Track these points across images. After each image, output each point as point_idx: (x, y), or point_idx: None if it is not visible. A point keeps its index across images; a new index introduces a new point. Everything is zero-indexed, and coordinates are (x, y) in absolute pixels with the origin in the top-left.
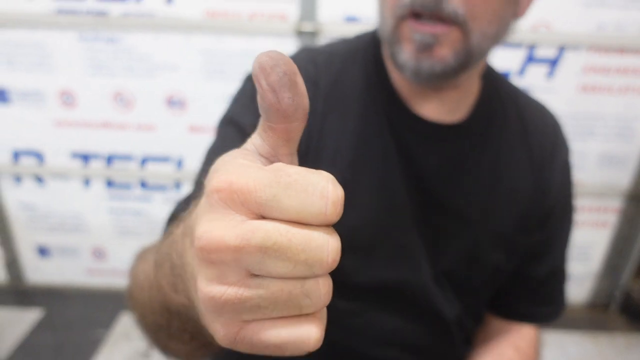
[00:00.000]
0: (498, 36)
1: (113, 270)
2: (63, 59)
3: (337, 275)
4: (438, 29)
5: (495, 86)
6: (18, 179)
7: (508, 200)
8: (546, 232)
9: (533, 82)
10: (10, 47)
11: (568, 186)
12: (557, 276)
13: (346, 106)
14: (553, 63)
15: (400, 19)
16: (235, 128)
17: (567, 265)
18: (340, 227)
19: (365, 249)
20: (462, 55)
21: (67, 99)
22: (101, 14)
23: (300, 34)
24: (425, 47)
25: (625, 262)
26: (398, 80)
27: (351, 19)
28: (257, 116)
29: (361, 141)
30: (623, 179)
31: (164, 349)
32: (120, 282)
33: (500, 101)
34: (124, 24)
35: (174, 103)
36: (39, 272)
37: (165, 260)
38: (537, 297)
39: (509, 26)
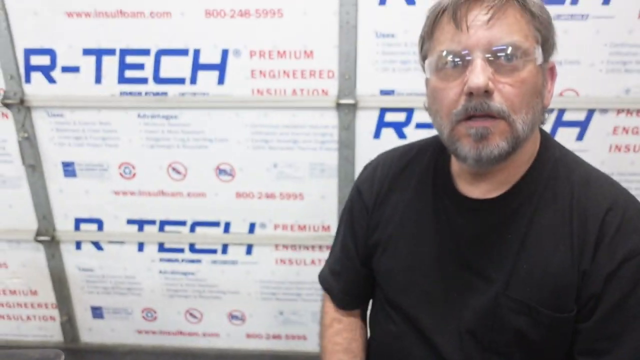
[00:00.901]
0: (534, 123)
1: (161, 330)
2: (125, 135)
3: (391, 302)
4: (488, 123)
5: (550, 165)
6: (78, 245)
7: (537, 270)
8: (596, 324)
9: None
10: (79, 126)
11: (628, 282)
12: None
13: (409, 184)
14: (583, 126)
15: (456, 123)
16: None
17: None
18: (389, 265)
19: (403, 283)
20: (512, 140)
21: (127, 170)
22: (160, 94)
23: (339, 106)
24: (482, 138)
25: None
26: (455, 168)
27: (386, 93)
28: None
29: (412, 208)
30: None
31: None
32: (168, 341)
33: (548, 180)
34: (180, 103)
35: (223, 172)
36: (93, 332)
37: None
38: None
39: (541, 114)
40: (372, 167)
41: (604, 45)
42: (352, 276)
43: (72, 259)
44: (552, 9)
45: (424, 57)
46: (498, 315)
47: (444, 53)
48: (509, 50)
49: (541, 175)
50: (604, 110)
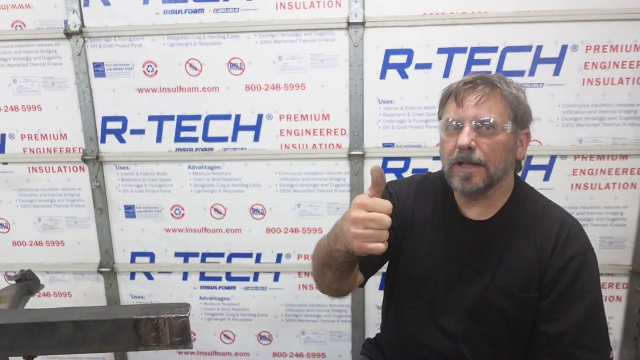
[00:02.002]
0: (507, 169)
1: (199, 351)
2: (177, 182)
3: (410, 292)
4: (472, 169)
5: (521, 197)
6: (133, 275)
7: (513, 268)
8: (551, 301)
9: (533, 184)
10: (141, 176)
11: (572, 273)
12: (568, 338)
13: (427, 204)
14: (547, 169)
15: (451, 165)
16: None
17: (585, 336)
18: (410, 264)
19: (424, 278)
20: (487, 181)
21: (177, 211)
22: (207, 150)
23: (350, 156)
24: (467, 179)
25: None
26: (456, 195)
27: (387, 145)
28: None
29: (429, 223)
30: (625, 257)
31: (321, 280)
32: None
33: (521, 207)
34: (223, 156)
35: (256, 211)
36: (140, 355)
37: (331, 232)
38: (551, 351)
39: (513, 164)
40: (400, 182)
41: (558, 106)
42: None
43: (126, 288)
44: (515, 80)
45: (439, 118)
46: (487, 298)
47: (450, 119)
48: (489, 122)
49: (516, 205)
50: (563, 156)
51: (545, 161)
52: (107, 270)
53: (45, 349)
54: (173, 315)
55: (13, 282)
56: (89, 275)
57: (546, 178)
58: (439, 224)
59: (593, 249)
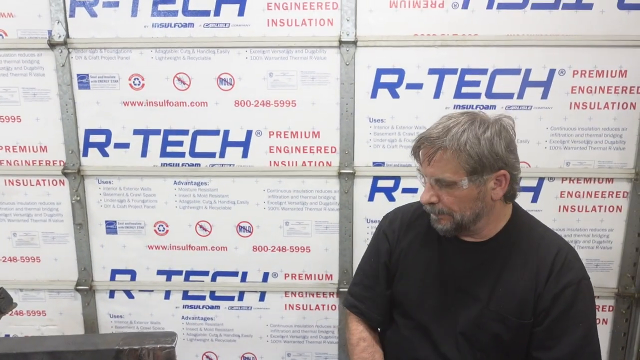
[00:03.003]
0: (477, 213)
1: None
2: (162, 198)
3: (406, 315)
4: (439, 215)
5: (518, 224)
6: (112, 294)
7: (508, 293)
8: (545, 329)
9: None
10: (124, 190)
11: (566, 301)
12: None
13: (421, 230)
14: (535, 191)
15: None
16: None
17: None
18: (403, 290)
19: (417, 302)
20: (453, 225)
21: (161, 228)
22: (194, 165)
23: (340, 175)
24: (437, 221)
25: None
26: None
27: (378, 164)
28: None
29: (423, 247)
30: (611, 280)
31: None
32: None
33: (518, 232)
34: (210, 172)
35: (243, 229)
36: None
37: None
38: None
39: (490, 204)
40: (394, 217)
41: (546, 129)
42: (385, 300)
43: (105, 306)
44: (505, 102)
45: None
46: (482, 322)
47: (419, 173)
48: (444, 180)
49: (513, 231)
50: (551, 178)
51: (534, 183)
52: (85, 288)
53: None
54: (158, 346)
55: None
56: (65, 294)
57: (534, 200)
58: (434, 249)
59: (589, 278)
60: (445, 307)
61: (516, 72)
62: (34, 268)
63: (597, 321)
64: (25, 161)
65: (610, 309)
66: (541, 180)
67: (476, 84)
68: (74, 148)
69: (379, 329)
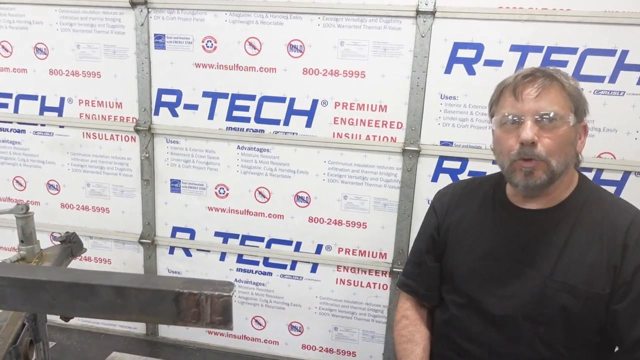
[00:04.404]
0: (567, 163)
1: (229, 333)
2: (225, 161)
3: (456, 289)
4: (534, 163)
5: (586, 191)
6: (172, 250)
7: (576, 260)
8: (630, 303)
9: None
10: (190, 151)
11: None
12: None
13: (473, 203)
14: (619, 185)
15: (513, 161)
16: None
17: None
18: (453, 264)
19: (468, 276)
20: (549, 174)
21: (222, 191)
22: (258, 131)
23: (405, 152)
24: (529, 174)
25: None
26: (509, 192)
27: (445, 144)
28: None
29: (476, 219)
30: None
31: None
32: (233, 344)
33: (585, 200)
34: (273, 139)
35: (300, 199)
36: (170, 329)
37: None
38: (631, 358)
39: (574, 157)
40: (445, 192)
41: (639, 118)
42: (432, 275)
43: (164, 261)
44: (593, 85)
45: (491, 116)
46: (546, 295)
47: (507, 115)
48: (550, 115)
49: (579, 199)
50: (638, 173)
51: (618, 177)
52: (148, 242)
53: (83, 311)
54: (216, 293)
55: (58, 242)
56: (129, 245)
57: (617, 195)
58: (489, 220)
59: None
60: (501, 280)
61: (611, 53)
62: (103, 218)
63: None
64: (102, 116)
65: None
66: (627, 174)
67: (563, 64)
68: (146, 106)
69: (429, 310)
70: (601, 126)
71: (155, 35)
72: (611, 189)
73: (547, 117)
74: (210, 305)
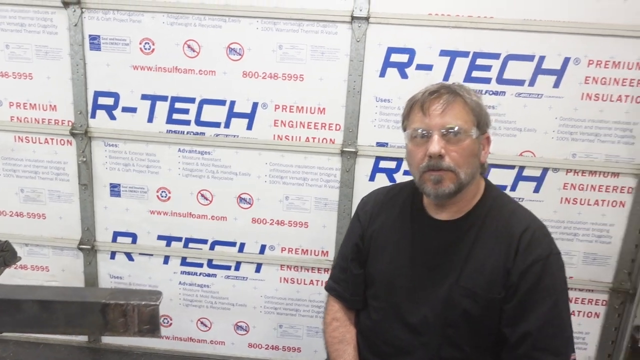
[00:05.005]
0: (473, 173)
1: (174, 336)
2: (166, 164)
3: (377, 296)
4: (442, 173)
5: (490, 200)
6: (113, 255)
7: (478, 269)
8: (514, 305)
9: (523, 195)
10: (129, 155)
11: (533, 277)
12: (529, 341)
13: (393, 211)
14: (538, 181)
15: (423, 172)
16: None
17: (546, 338)
18: (376, 270)
19: (389, 282)
20: (457, 185)
21: (163, 194)
22: (199, 134)
23: (343, 153)
24: (438, 182)
25: (618, 349)
26: (425, 202)
27: (381, 145)
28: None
29: (395, 227)
30: (607, 275)
31: None
32: (179, 346)
33: (490, 209)
34: (214, 142)
35: (243, 200)
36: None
37: None
38: (513, 353)
39: (479, 167)
40: (367, 199)
41: (555, 119)
42: (357, 281)
43: (105, 267)
44: (515, 88)
45: (404, 129)
46: (452, 300)
47: (417, 129)
48: (455, 129)
49: (483, 208)
50: (555, 169)
51: (537, 173)
52: (88, 247)
53: (8, 327)
54: (143, 303)
55: None
56: (68, 251)
57: (536, 190)
58: (406, 229)
59: (559, 253)
60: (417, 286)
61: (529, 58)
62: (39, 224)
63: (589, 315)
64: (35, 119)
65: (604, 303)
66: (545, 170)
67: (487, 68)
68: (82, 109)
69: (356, 312)
70: (522, 126)
71: (90, 36)
72: (531, 184)
73: (452, 131)
74: (137, 314)
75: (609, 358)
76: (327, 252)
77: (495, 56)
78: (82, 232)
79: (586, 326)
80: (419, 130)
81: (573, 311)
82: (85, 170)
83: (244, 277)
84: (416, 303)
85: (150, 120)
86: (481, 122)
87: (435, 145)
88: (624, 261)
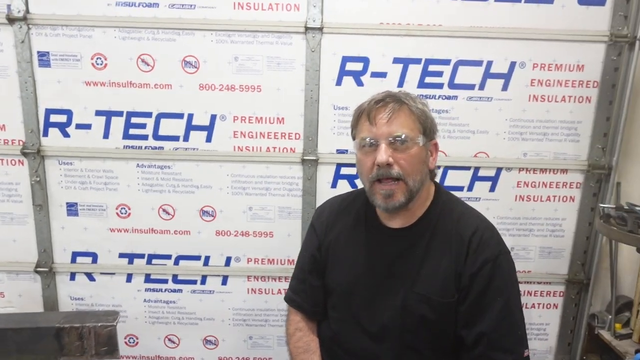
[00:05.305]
0: (422, 180)
1: (141, 355)
2: (124, 181)
3: (336, 306)
4: (393, 186)
5: (440, 205)
6: (73, 276)
7: (431, 274)
8: (468, 307)
9: (479, 195)
10: (86, 172)
11: (484, 279)
12: (484, 341)
13: (348, 219)
14: (493, 180)
15: (372, 183)
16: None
17: (499, 338)
18: (334, 280)
19: (348, 292)
20: (407, 196)
21: (123, 211)
22: (158, 148)
23: (304, 161)
24: (389, 196)
25: (576, 339)
26: (378, 210)
27: (341, 152)
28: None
29: (351, 237)
30: (563, 267)
31: None
32: None
33: (440, 214)
34: (173, 156)
35: (206, 213)
36: None
37: None
38: (470, 354)
39: (427, 174)
40: (322, 209)
41: (505, 120)
42: (316, 292)
43: (65, 289)
44: (466, 93)
45: (353, 138)
46: (408, 306)
47: (365, 138)
48: (402, 137)
49: (435, 213)
50: (509, 169)
51: (492, 173)
52: (45, 270)
53: None
54: (99, 324)
55: None
56: (24, 275)
57: (492, 189)
58: (361, 239)
59: (508, 252)
60: (375, 295)
61: (478, 63)
62: None
63: (548, 306)
64: None
65: (561, 294)
66: (499, 170)
67: (439, 74)
68: (33, 127)
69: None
70: (475, 129)
71: (38, 52)
72: (487, 184)
73: (399, 139)
74: (94, 336)
75: (569, 347)
76: (293, 260)
77: (446, 62)
78: (38, 254)
79: (546, 317)
80: (367, 139)
81: (533, 304)
82: (39, 191)
83: (210, 291)
84: (375, 312)
85: (106, 136)
86: (427, 129)
87: (383, 154)
88: (577, 253)
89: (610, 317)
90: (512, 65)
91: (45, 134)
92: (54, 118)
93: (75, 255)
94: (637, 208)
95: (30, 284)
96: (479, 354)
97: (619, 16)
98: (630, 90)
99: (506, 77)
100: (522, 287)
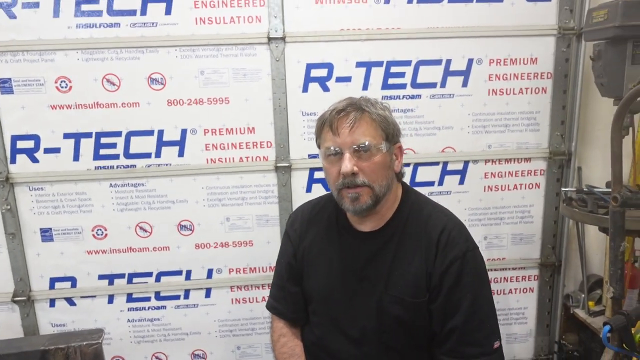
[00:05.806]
0: (389, 185)
1: None
2: (98, 202)
3: (315, 311)
4: (359, 190)
5: (408, 205)
6: (52, 302)
7: (403, 275)
8: (439, 305)
9: (450, 188)
10: (58, 196)
11: (453, 276)
12: (455, 336)
13: (321, 225)
14: (462, 173)
15: (339, 189)
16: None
17: (469, 332)
18: (311, 286)
19: (325, 296)
20: (374, 199)
21: (99, 232)
22: (130, 167)
23: (277, 168)
24: (355, 199)
25: (554, 320)
26: (348, 214)
27: (313, 157)
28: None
29: (324, 242)
30: (535, 251)
31: None
32: None
33: (408, 216)
34: (146, 173)
35: (184, 227)
36: None
37: None
38: (443, 349)
39: (394, 177)
40: (295, 217)
41: (468, 115)
42: (296, 299)
43: (45, 316)
44: (429, 91)
45: (318, 147)
46: (383, 308)
47: (329, 148)
48: (366, 144)
49: (403, 214)
50: (475, 161)
51: (460, 166)
52: (23, 299)
53: None
54: (85, 343)
55: None
56: (2, 306)
57: (461, 182)
58: (334, 243)
59: (476, 248)
60: (352, 298)
61: (438, 62)
62: None
63: (524, 290)
64: None
65: (535, 278)
66: (466, 163)
67: (401, 75)
68: (0, 155)
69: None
70: (440, 125)
71: (0, 79)
72: (456, 177)
73: (363, 147)
74: (80, 356)
75: (548, 328)
76: (274, 267)
77: (407, 63)
78: (14, 283)
79: (524, 302)
80: (331, 148)
81: (511, 289)
82: (11, 219)
83: (194, 305)
84: (354, 315)
85: (76, 158)
86: (389, 134)
87: (347, 164)
88: (547, 237)
89: (583, 295)
90: (470, 62)
91: (13, 160)
92: (21, 144)
93: (53, 280)
94: (597, 190)
95: (8, 314)
96: (450, 348)
97: (565, 10)
98: (582, 78)
99: (465, 73)
100: (498, 274)
